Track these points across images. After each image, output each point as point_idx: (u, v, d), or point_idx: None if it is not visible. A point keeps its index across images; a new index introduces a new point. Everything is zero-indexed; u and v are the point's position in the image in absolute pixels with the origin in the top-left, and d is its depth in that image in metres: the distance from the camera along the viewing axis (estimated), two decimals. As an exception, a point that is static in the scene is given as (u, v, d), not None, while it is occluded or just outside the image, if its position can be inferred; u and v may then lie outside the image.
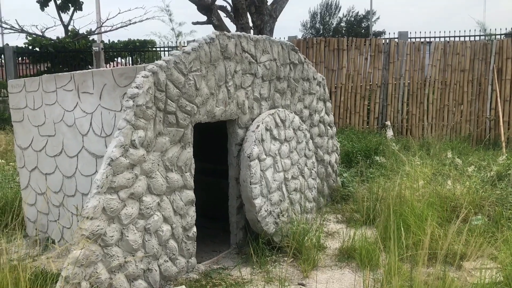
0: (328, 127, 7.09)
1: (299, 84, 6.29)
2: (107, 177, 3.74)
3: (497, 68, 11.52)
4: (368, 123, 12.02)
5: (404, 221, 5.64)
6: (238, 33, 5.10)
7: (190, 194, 4.64)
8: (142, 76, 4.02)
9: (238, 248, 5.36)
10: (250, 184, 5.01)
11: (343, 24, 39.15)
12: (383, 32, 36.65)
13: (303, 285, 4.51)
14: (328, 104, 7.08)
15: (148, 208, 4.15)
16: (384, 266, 4.88)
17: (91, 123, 4.89)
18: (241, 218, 5.39)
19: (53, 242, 5.62)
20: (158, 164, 4.27)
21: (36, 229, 5.87)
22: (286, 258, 5.17)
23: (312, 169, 6.25)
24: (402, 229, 5.54)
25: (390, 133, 11.64)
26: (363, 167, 8.62)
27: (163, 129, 4.29)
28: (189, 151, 4.60)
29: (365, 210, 6.44)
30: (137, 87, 3.96)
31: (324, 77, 6.96)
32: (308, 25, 40.11)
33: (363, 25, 38.43)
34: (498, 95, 11.39)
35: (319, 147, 6.81)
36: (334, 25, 39.38)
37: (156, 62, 4.23)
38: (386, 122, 11.91)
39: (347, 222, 6.43)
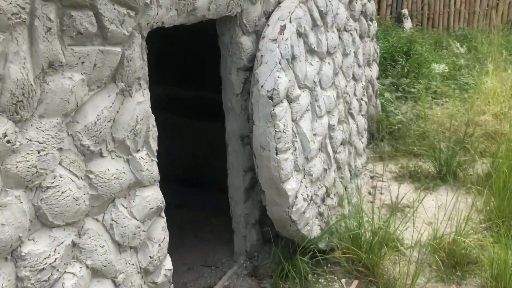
0: (370, 22, 4.37)
1: None
2: None
3: None
4: (379, 12, 9.21)
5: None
6: None
7: (153, 196, 2.03)
8: None
9: (251, 262, 2.91)
10: (276, 154, 2.42)
11: None
12: None
13: None
14: (371, -17, 4.29)
15: (41, 269, 1.55)
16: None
17: None
18: (252, 208, 2.88)
19: None
20: (60, 149, 1.58)
21: None
22: (343, 281, 2.78)
23: (362, 99, 3.65)
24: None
25: (408, 24, 8.95)
26: (400, 78, 6.07)
27: (63, 51, 1.55)
28: (141, 101, 1.90)
29: (438, 156, 4.02)
30: None
31: None
32: None
33: None
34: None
35: (360, 56, 4.14)
36: None
37: None
38: (403, 11, 9.15)
39: (411, 178, 4.02)
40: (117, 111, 1.80)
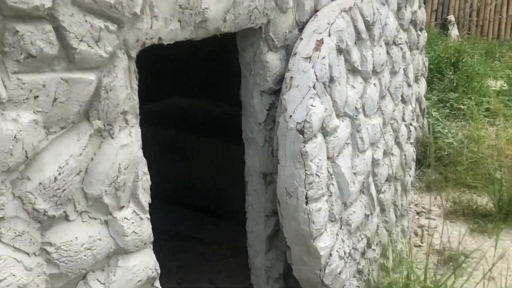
0: (419, 32, 3.79)
1: None
2: None
3: None
4: (423, 18, 8.55)
5: None
6: None
7: (143, 264, 1.54)
8: None
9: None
10: (307, 203, 1.90)
11: None
12: None
13: None
14: (423, -12, 3.72)
15: None
16: None
17: None
18: (276, 260, 2.37)
19: None
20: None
21: None
22: None
23: (411, 124, 3.09)
24: None
25: (454, 32, 8.25)
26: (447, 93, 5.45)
27: (3, 82, 1.08)
28: (126, 143, 1.41)
29: (499, 190, 3.42)
30: None
31: None
32: None
33: None
34: None
35: (408, 71, 3.57)
36: None
37: None
38: (449, 17, 8.46)
39: (464, 216, 3.43)
40: (92, 158, 1.33)
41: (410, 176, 3.10)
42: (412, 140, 3.10)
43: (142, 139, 1.48)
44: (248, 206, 2.28)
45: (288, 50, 2.12)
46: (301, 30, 2.15)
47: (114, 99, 1.34)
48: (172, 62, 3.83)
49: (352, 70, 2.24)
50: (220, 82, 3.79)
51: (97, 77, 1.28)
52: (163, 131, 3.48)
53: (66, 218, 1.30)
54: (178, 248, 3.19)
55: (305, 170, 1.89)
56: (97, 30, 1.24)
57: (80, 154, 1.28)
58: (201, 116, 3.69)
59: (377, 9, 2.46)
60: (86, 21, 1.21)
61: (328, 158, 2.05)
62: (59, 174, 1.23)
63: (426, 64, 4.21)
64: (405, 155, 2.95)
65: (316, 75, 1.94)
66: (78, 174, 1.29)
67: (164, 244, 3.22)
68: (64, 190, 1.25)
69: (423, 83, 4.10)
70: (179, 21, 1.51)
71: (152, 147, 3.48)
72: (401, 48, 2.78)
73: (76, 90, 1.23)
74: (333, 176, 2.07)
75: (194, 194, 3.45)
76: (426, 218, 3.33)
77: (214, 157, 3.33)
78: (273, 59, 2.06)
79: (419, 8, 3.71)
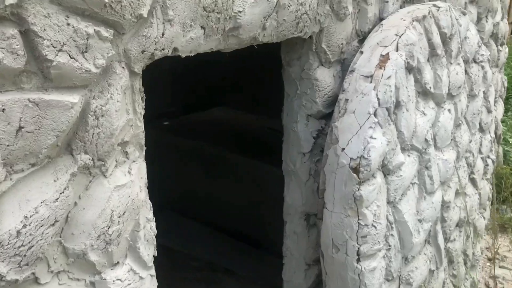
0: (500, 48, 3.28)
1: None
2: None
3: None
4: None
5: None
6: None
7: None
8: None
9: None
10: (358, 260, 1.50)
11: None
12: None
13: None
14: (507, -4, 3.22)
15: None
16: None
17: None
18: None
19: None
20: None
21: None
22: None
23: (489, 157, 2.60)
24: None
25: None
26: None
27: None
28: (123, 183, 1.08)
29: None
30: None
31: None
32: None
33: None
34: None
35: (485, 93, 3.08)
36: None
37: None
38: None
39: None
40: (75, 203, 1.01)
41: (484, 219, 2.61)
42: (488, 176, 2.61)
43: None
44: (286, 250, 1.91)
45: (344, 66, 1.74)
46: (361, 41, 1.77)
47: (107, 127, 1.02)
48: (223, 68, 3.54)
49: (423, 93, 1.82)
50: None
51: (83, 98, 0.96)
52: (206, 147, 3.19)
53: (36, 281, 0.99)
54: (209, 279, 2.86)
55: (359, 219, 1.50)
56: (84, 36, 0.92)
57: (57, 199, 0.97)
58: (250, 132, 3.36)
59: (457, 19, 2.02)
60: (68, 24, 0.90)
61: (389, 202, 1.64)
62: (24, 226, 0.92)
63: (505, 83, 3.67)
64: (479, 194, 2.47)
65: (378, 99, 1.54)
66: (52, 225, 0.97)
67: (194, 273, 2.92)
68: (31, 246, 0.94)
69: (500, 106, 3.57)
70: (202, 27, 1.17)
71: (191, 163, 3.21)
72: (482, 67, 2.31)
73: (51, 116, 0.92)
74: (393, 225, 1.66)
75: (233, 219, 3.12)
76: (500, 267, 2.81)
77: (259, 180, 2.98)
78: (324, 76, 1.68)
79: (502, 19, 3.20)
